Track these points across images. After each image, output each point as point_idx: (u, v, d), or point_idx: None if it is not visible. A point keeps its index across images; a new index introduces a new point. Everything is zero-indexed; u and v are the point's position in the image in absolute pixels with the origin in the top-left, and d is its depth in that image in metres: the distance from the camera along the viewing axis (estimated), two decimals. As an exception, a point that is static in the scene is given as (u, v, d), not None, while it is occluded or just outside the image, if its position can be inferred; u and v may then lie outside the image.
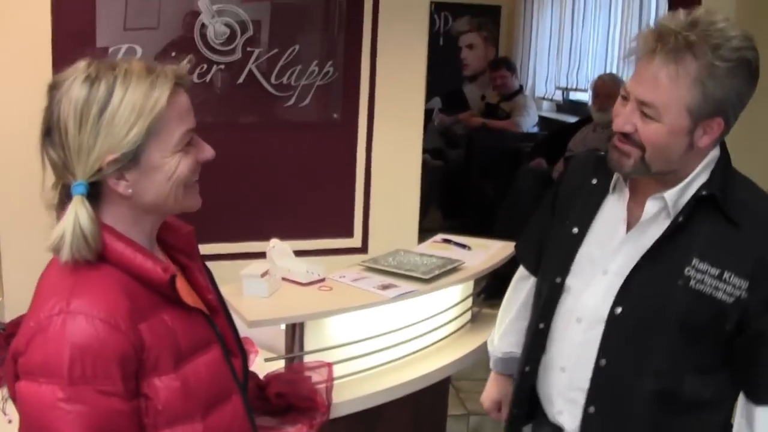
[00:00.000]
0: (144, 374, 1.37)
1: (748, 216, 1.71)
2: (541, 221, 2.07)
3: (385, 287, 2.52)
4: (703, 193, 1.72)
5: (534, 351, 1.96)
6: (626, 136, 1.71)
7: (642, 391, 1.78)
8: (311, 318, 2.36)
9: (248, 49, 3.82)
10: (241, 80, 3.86)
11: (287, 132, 4.08)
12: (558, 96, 7.56)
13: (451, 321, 2.91)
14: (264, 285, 2.41)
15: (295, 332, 2.40)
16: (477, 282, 3.04)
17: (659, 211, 1.77)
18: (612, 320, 1.79)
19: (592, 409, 1.83)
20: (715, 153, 1.76)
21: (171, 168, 1.42)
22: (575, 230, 1.88)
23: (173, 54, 3.61)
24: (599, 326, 1.81)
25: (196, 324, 1.50)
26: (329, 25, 3.99)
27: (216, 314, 1.61)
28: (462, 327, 3.01)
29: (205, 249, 3.85)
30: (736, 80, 1.63)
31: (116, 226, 1.42)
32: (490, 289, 5.19)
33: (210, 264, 1.73)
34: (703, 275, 1.70)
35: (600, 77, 5.52)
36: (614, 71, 6.03)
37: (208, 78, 3.80)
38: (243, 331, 2.33)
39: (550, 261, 1.95)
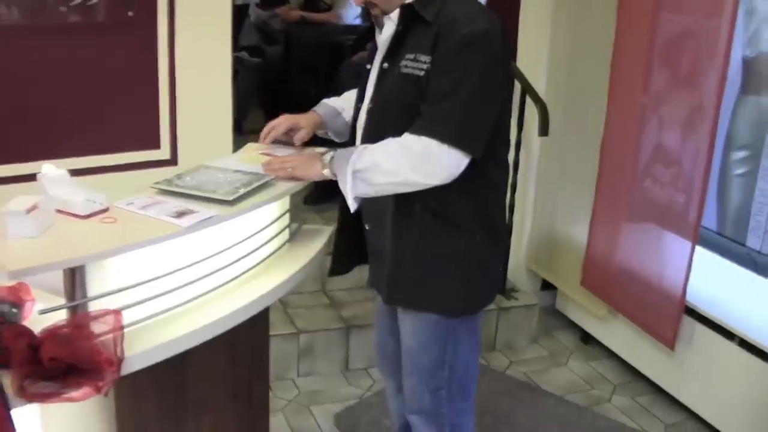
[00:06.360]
0: None
1: (441, 15, 2.25)
2: None
3: (180, 214, 2.16)
4: (406, 2, 2.30)
5: None
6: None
7: None
8: (80, 262, 1.96)
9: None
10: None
11: (76, 35, 3.59)
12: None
13: (266, 243, 2.58)
14: (31, 222, 2.00)
15: (75, 277, 2.02)
16: (293, 196, 2.70)
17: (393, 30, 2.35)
18: (366, 114, 2.44)
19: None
20: None
21: None
22: (368, 66, 2.52)
23: None
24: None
25: None
26: None
27: None
28: (279, 248, 2.70)
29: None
30: None
31: None
32: (314, 195, 4.85)
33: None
34: (406, 62, 2.30)
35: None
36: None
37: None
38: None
39: None
